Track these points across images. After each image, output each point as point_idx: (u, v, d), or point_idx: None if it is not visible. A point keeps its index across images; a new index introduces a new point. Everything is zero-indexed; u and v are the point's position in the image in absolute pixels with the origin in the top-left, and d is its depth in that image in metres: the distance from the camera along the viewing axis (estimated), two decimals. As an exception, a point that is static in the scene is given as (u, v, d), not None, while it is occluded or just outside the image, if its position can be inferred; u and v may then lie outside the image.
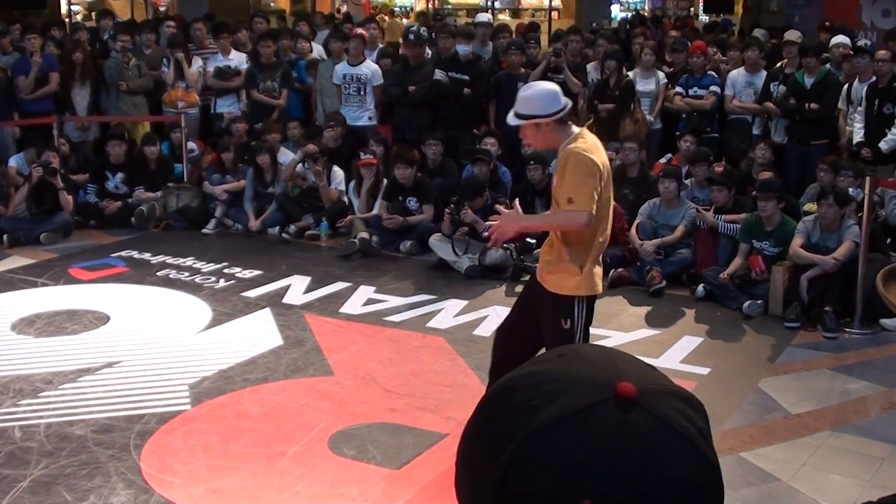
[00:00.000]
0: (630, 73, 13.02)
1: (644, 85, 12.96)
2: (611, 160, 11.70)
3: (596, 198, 5.65)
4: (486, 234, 8.32)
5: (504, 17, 28.35)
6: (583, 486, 1.14)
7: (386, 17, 25.93)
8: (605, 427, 1.17)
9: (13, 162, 12.89)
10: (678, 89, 13.01)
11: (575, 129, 5.91)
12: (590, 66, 13.48)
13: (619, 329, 8.95)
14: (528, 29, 18.55)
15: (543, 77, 12.59)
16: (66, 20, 22.91)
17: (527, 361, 1.32)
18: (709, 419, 1.25)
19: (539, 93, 5.94)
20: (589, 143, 5.79)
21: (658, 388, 1.22)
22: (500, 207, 6.42)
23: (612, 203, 6.05)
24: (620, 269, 10.27)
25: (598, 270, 5.90)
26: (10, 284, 10.25)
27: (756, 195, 9.95)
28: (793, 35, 13.70)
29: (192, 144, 13.70)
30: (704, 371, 7.97)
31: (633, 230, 10.44)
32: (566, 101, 5.93)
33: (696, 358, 8.32)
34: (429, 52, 13.96)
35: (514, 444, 1.18)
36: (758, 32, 16.28)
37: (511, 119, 6.00)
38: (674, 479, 1.16)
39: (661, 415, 1.18)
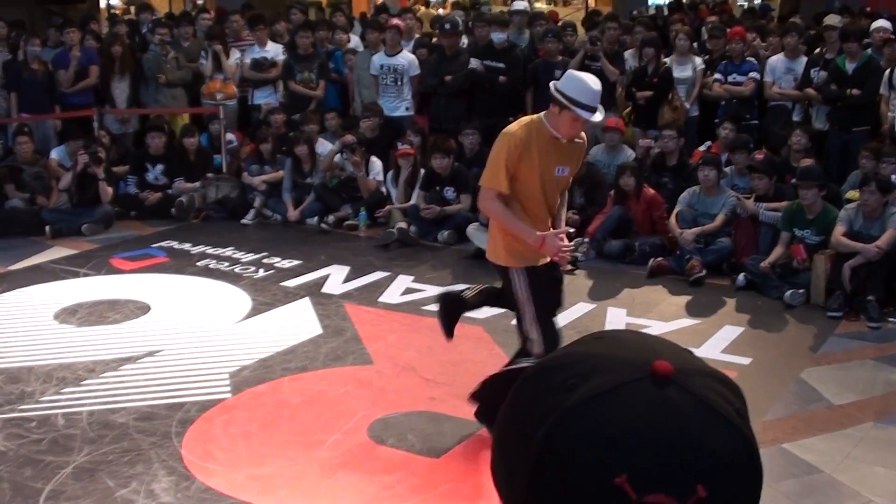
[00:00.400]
0: (667, 60, 12.93)
1: (680, 72, 12.85)
2: (649, 148, 11.79)
3: (502, 175, 6.35)
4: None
5: (541, 6, 28.23)
6: (619, 461, 1.13)
7: (421, 7, 25.87)
8: (641, 403, 1.16)
9: (55, 154, 13.01)
10: (717, 76, 12.88)
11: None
12: (627, 54, 13.41)
13: (659, 318, 8.91)
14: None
15: (581, 66, 12.58)
16: (105, 14, 23.03)
17: (567, 344, 1.32)
18: (746, 402, 1.24)
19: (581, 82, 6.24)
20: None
21: (694, 367, 1.22)
22: None
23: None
24: (660, 259, 10.21)
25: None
26: (52, 275, 10.34)
27: (797, 183, 9.83)
28: (833, 20, 13.57)
29: (230, 135, 13.77)
30: (746, 361, 7.91)
31: (673, 219, 10.38)
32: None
33: (737, 348, 8.26)
34: (465, 41, 13.95)
35: (550, 421, 1.17)
36: (795, 19, 16.13)
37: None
38: (710, 454, 1.15)
39: (697, 392, 1.17)
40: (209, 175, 13.06)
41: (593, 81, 6.29)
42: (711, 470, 1.15)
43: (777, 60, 12.72)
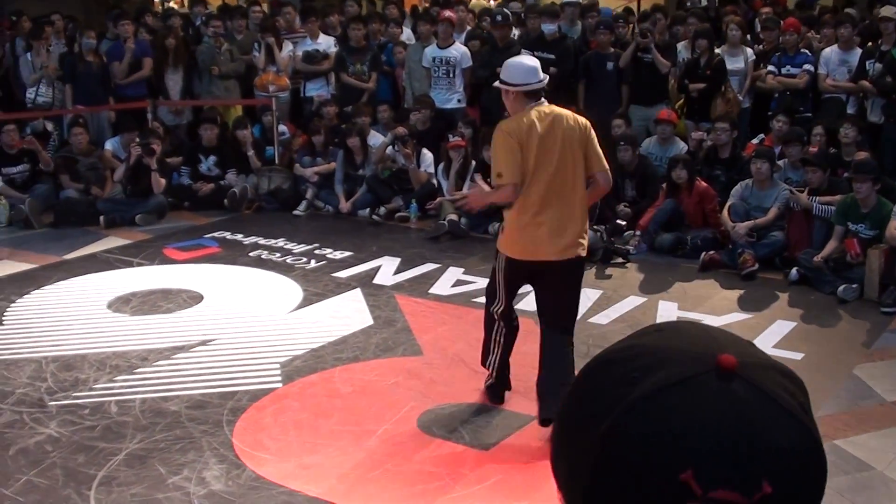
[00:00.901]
0: (719, 52, 12.82)
1: (732, 63, 12.72)
2: (702, 140, 11.70)
3: (517, 167, 6.31)
4: (459, 202, 9.74)
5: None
6: (683, 457, 1.13)
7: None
8: (706, 397, 1.15)
9: (109, 145, 13.14)
10: (770, 68, 12.78)
11: (540, 106, 6.42)
12: (680, 46, 13.33)
13: (710, 313, 8.86)
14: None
15: (633, 58, 12.54)
16: (159, 7, 23.18)
17: (628, 336, 1.31)
18: (809, 396, 1.23)
19: (514, 63, 6.54)
20: (516, 118, 6.41)
21: (758, 361, 1.20)
22: (477, 181, 7.40)
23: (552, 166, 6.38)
24: (712, 252, 10.16)
25: (526, 236, 6.47)
26: (106, 264, 10.45)
27: (851, 176, 9.73)
28: (889, 11, 13.40)
29: (282, 127, 13.84)
30: (798, 356, 7.83)
31: (725, 212, 10.32)
32: (537, 80, 6.41)
33: (789, 343, 8.19)
34: (516, 32, 13.93)
35: (614, 415, 1.17)
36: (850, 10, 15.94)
37: (497, 84, 6.62)
38: (775, 450, 1.14)
39: (762, 386, 1.17)
40: (261, 166, 13.13)
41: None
42: (777, 465, 1.14)
43: (831, 52, 12.57)
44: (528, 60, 6.59)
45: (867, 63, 12.19)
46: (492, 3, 23.55)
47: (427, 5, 19.12)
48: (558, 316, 6.58)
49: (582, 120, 6.45)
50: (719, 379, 1.16)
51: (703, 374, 1.17)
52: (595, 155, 6.45)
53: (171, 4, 24.10)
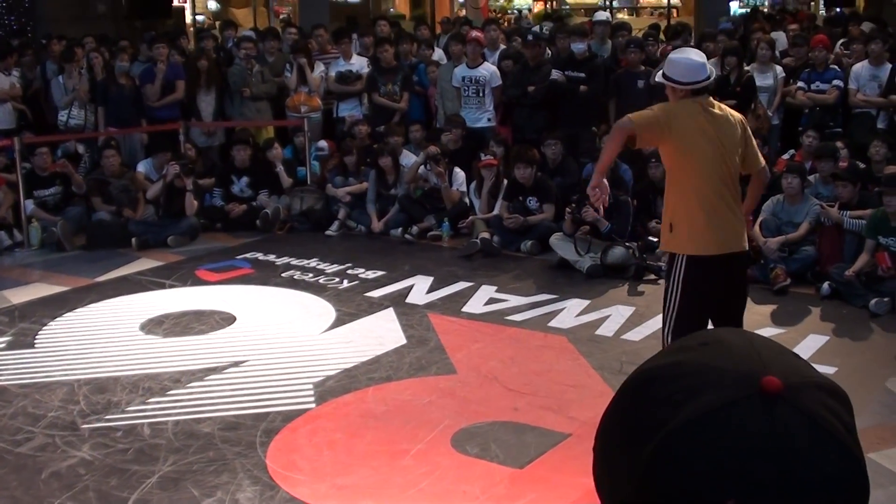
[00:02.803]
0: (749, 69, 12.82)
1: (762, 80, 12.78)
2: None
3: (647, 125, 6.16)
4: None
5: (623, 16, 28.13)
6: (727, 485, 1.12)
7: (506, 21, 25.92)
8: (751, 424, 1.14)
9: (142, 167, 13.20)
10: (800, 84, 12.77)
11: (702, 101, 6.29)
12: (710, 63, 13.29)
13: (743, 327, 8.80)
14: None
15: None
16: (191, 29, 23.36)
17: (666, 348, 1.29)
18: (853, 412, 1.21)
19: (684, 60, 6.35)
20: (681, 103, 6.31)
21: (803, 380, 1.19)
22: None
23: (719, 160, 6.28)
24: (744, 267, 10.11)
25: (699, 229, 6.25)
26: (139, 286, 10.49)
27: (882, 190, 9.71)
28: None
29: (322, 143, 13.83)
30: (831, 370, 7.78)
31: (757, 227, 10.27)
32: (708, 75, 6.33)
33: (822, 357, 8.14)
34: (549, 51, 13.95)
35: (657, 440, 1.16)
36: (865, 26, 15.92)
37: (657, 76, 6.55)
38: (820, 479, 1.13)
39: (807, 411, 1.15)
40: (294, 187, 13.17)
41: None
42: (821, 494, 1.13)
43: (861, 67, 12.57)
44: (696, 55, 6.50)
45: (897, 78, 12.17)
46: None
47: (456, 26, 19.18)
48: (740, 312, 6.63)
49: (738, 115, 6.49)
50: (763, 404, 1.15)
51: (747, 398, 1.15)
52: (752, 152, 6.50)
53: (204, 26, 24.30)
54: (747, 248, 6.53)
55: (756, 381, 1.16)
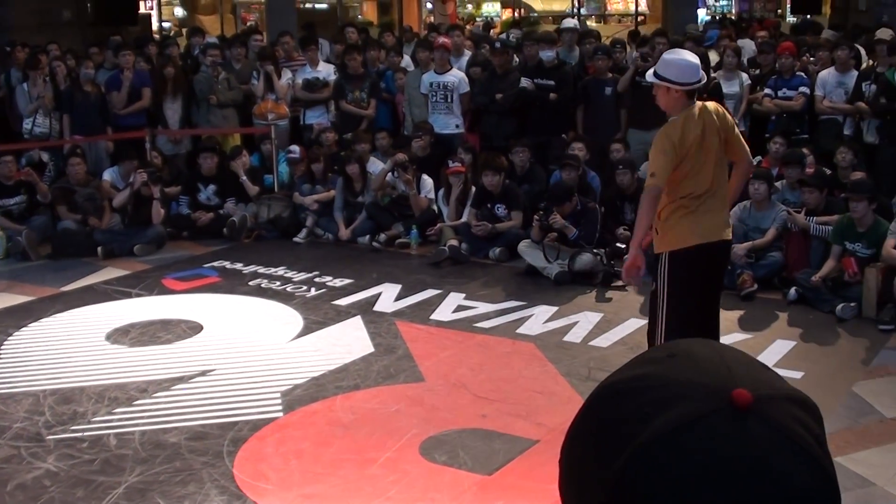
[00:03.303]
0: (715, 76, 12.87)
1: (728, 87, 12.84)
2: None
3: (668, 171, 6.33)
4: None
5: (591, 23, 28.27)
6: (696, 500, 1.11)
7: (469, 27, 26.00)
8: (721, 438, 1.12)
9: (107, 176, 13.11)
10: (767, 91, 12.84)
11: (695, 107, 6.43)
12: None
13: (711, 333, 8.84)
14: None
15: (631, 82, 12.53)
16: (157, 37, 23.29)
17: (634, 359, 1.27)
18: (823, 423, 1.20)
19: (679, 61, 6.44)
20: (680, 120, 6.39)
21: (774, 393, 1.17)
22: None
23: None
24: (711, 273, 10.15)
25: (684, 222, 6.48)
26: (104, 295, 10.42)
27: (848, 196, 9.78)
28: (885, 34, 13.44)
29: (294, 147, 13.72)
30: (798, 375, 7.83)
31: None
32: (701, 77, 6.43)
33: (789, 362, 8.19)
34: (516, 59, 13.97)
35: (626, 455, 1.14)
36: (827, 34, 16.05)
37: (649, 76, 6.60)
38: (791, 493, 1.12)
39: (778, 424, 1.14)
40: (261, 194, 13.12)
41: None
42: None
43: (828, 74, 12.64)
44: (690, 56, 6.57)
45: (863, 85, 12.24)
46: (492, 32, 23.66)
47: (425, 32, 19.21)
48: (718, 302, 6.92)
49: (721, 108, 6.65)
50: (733, 418, 1.13)
51: (717, 411, 1.13)
52: (738, 142, 6.68)
53: (168, 34, 24.22)
54: (731, 237, 6.73)
55: (726, 395, 1.14)
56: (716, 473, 1.11)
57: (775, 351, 8.46)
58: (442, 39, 14.21)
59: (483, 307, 9.71)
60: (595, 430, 1.21)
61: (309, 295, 10.25)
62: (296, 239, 12.66)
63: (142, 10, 24.10)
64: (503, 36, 16.19)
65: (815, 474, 1.15)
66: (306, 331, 9.16)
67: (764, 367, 1.23)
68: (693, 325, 6.53)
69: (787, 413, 1.16)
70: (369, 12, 30.29)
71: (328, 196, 12.82)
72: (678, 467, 1.11)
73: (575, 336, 8.84)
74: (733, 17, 26.93)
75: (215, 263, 11.57)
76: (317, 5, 29.67)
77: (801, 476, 1.13)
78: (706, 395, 1.15)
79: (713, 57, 13.85)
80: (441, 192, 12.45)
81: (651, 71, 6.62)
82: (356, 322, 9.35)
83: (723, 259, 6.83)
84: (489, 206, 11.78)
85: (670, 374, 1.19)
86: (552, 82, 12.86)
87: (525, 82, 12.90)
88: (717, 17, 27.11)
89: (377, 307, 9.80)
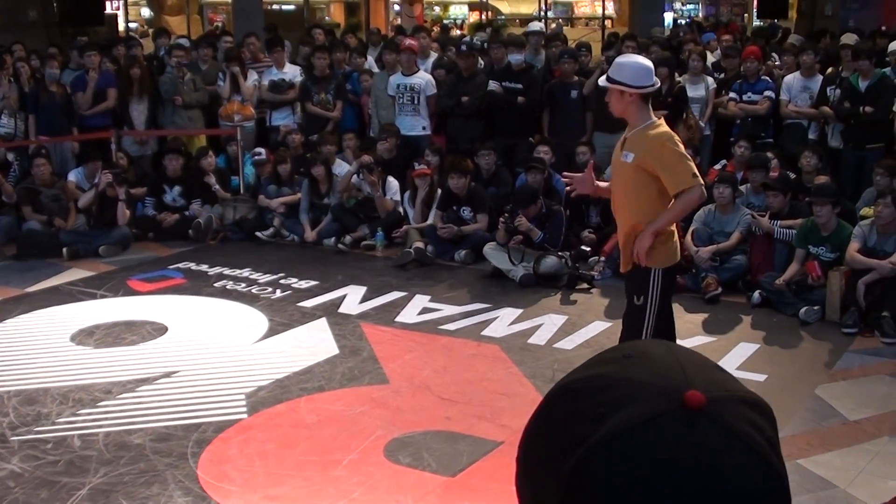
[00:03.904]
0: (681, 80, 12.93)
1: (693, 91, 12.88)
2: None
3: (696, 170, 6.35)
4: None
5: (562, 27, 28.32)
6: (647, 500, 1.13)
7: (436, 29, 26.02)
8: (672, 439, 1.13)
9: (73, 176, 13.05)
10: (732, 95, 12.91)
11: (653, 116, 6.40)
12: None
13: (674, 336, 8.89)
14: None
15: (597, 86, 12.56)
16: (123, 37, 23.19)
17: (591, 359, 1.29)
18: (777, 425, 1.23)
19: (633, 64, 6.43)
20: (664, 124, 6.46)
21: (727, 395, 1.18)
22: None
23: None
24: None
25: (673, 238, 6.57)
26: (69, 296, 10.38)
27: (811, 200, 9.85)
28: (849, 39, 13.55)
29: (259, 149, 13.70)
30: (761, 378, 7.89)
31: (689, 237, 10.35)
32: (655, 81, 6.41)
33: (752, 365, 8.25)
34: (481, 62, 13.99)
35: (579, 454, 1.15)
36: (793, 38, 16.14)
37: (601, 80, 6.50)
38: (742, 494, 1.13)
39: (729, 426, 1.15)
40: (227, 196, 13.10)
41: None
42: None
43: (793, 79, 12.73)
44: (644, 60, 6.61)
45: (828, 89, 12.33)
46: (457, 32, 23.67)
47: (392, 34, 19.21)
48: None
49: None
50: (686, 419, 1.14)
51: (670, 412, 1.15)
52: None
53: (134, 34, 24.09)
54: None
55: (679, 396, 1.15)
56: (666, 474, 1.12)
57: (739, 354, 8.52)
58: (409, 41, 14.22)
59: (448, 309, 9.74)
60: (550, 429, 1.22)
61: (274, 297, 10.25)
62: (259, 234, 12.67)
63: (108, 10, 23.96)
64: (467, 39, 16.18)
65: (766, 475, 1.16)
66: (271, 332, 9.16)
67: (719, 368, 1.24)
68: (670, 335, 6.68)
69: (739, 415, 1.17)
70: (336, 14, 30.24)
71: (294, 198, 12.80)
72: (629, 467, 1.13)
73: (539, 338, 8.87)
74: (700, 21, 27.07)
75: (181, 265, 11.54)
76: (284, 7, 29.62)
77: (751, 477, 1.14)
78: (659, 395, 1.16)
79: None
80: (407, 194, 12.46)
81: (603, 76, 6.59)
82: (321, 324, 9.36)
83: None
84: (455, 208, 11.80)
85: (626, 375, 1.20)
86: (520, 86, 12.88)
87: (493, 85, 12.92)
88: (687, 21, 27.27)
89: (342, 309, 9.80)
